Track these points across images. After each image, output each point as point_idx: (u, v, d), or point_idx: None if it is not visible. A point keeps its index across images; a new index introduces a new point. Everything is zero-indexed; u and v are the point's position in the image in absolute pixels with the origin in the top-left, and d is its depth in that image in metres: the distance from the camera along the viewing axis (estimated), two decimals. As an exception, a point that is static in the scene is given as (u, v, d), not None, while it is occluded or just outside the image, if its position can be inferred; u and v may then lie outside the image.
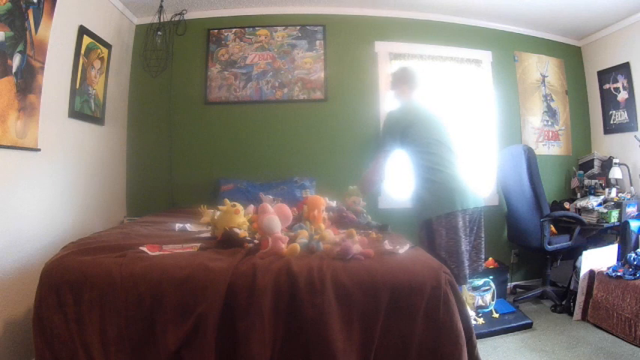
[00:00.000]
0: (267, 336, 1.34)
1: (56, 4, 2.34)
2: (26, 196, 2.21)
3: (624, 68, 3.62)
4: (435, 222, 2.18)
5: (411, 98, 2.52)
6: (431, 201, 2.20)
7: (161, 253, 1.60)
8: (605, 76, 3.84)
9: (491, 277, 3.11)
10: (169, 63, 3.35)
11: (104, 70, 3.05)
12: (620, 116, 3.71)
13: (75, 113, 2.69)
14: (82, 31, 2.71)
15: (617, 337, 2.60)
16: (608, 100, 3.82)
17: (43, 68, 2.27)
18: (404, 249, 1.69)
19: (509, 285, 3.64)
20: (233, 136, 3.52)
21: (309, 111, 3.57)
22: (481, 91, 3.79)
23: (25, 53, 2.11)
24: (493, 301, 3.04)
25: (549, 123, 3.97)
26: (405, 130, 2.30)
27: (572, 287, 3.10)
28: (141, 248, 1.61)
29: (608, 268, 2.82)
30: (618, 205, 3.28)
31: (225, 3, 3.48)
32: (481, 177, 3.70)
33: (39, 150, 2.27)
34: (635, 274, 2.64)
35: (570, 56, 4.08)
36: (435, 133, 2.33)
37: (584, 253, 2.99)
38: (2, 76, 1.96)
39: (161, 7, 3.24)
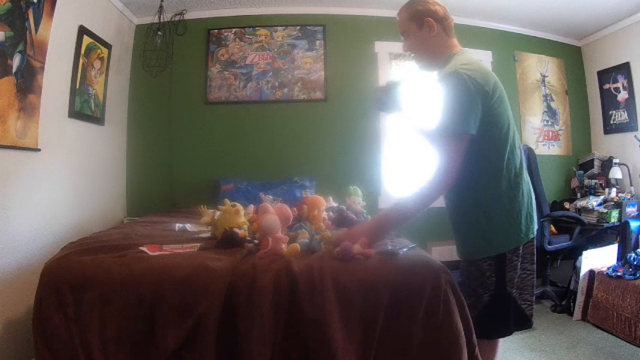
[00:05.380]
0: (267, 336, 1.34)
1: (56, 4, 2.34)
2: (26, 196, 2.21)
3: (624, 68, 3.62)
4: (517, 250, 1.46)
5: (459, 49, 1.59)
6: (515, 225, 1.45)
7: (161, 253, 1.59)
8: (605, 76, 3.84)
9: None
10: (169, 63, 3.35)
11: (104, 70, 3.05)
12: (620, 116, 3.71)
13: (75, 113, 2.69)
14: (82, 31, 2.71)
15: (617, 337, 2.60)
16: (608, 100, 3.82)
17: (43, 68, 2.27)
18: (404, 249, 1.69)
19: (510, 285, 3.62)
20: (233, 136, 3.52)
21: (309, 111, 3.57)
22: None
23: (25, 53, 2.10)
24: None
25: (549, 123, 3.97)
26: (492, 107, 1.39)
27: (572, 287, 3.09)
28: (141, 248, 1.61)
29: (608, 268, 2.82)
30: (618, 205, 3.28)
31: (225, 3, 3.48)
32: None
33: (39, 150, 2.27)
34: (635, 274, 2.63)
35: (570, 56, 4.08)
36: (511, 115, 1.49)
37: (584, 253, 2.98)
38: (2, 76, 1.96)
39: (161, 7, 3.24)
